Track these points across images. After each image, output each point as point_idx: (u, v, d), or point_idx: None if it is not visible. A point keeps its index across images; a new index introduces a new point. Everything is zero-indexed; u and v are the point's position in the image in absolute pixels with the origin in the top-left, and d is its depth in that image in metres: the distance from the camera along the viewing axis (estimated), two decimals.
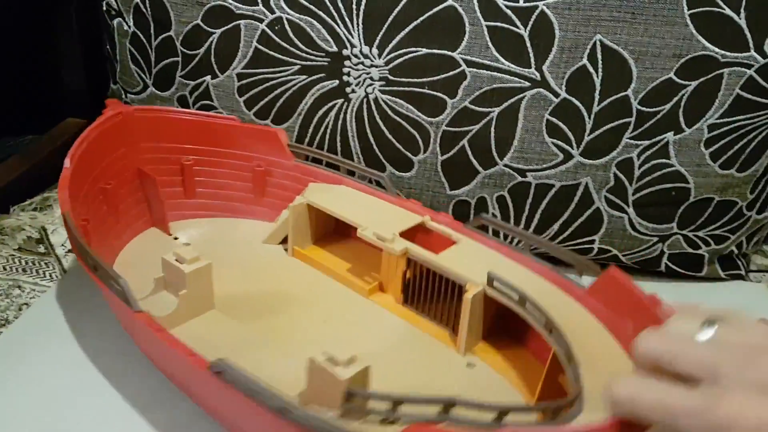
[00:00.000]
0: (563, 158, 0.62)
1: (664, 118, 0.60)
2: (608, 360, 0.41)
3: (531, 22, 0.59)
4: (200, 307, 0.52)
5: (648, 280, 0.69)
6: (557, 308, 0.45)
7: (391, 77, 0.63)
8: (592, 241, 0.66)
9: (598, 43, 0.59)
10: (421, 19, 0.61)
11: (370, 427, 0.36)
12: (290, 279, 0.60)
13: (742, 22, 0.57)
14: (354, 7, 0.62)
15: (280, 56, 0.65)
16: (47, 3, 0.83)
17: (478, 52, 0.61)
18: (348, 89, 0.64)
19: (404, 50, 0.62)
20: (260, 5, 0.64)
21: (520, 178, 0.64)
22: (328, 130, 0.66)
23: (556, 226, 0.65)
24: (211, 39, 0.66)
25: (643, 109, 0.60)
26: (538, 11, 0.59)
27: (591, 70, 0.59)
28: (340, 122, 0.66)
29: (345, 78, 0.64)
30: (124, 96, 0.74)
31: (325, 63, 0.64)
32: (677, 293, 0.67)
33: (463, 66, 0.61)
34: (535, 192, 0.64)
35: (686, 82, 0.59)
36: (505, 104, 0.61)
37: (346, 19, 0.63)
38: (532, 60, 0.60)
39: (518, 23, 0.59)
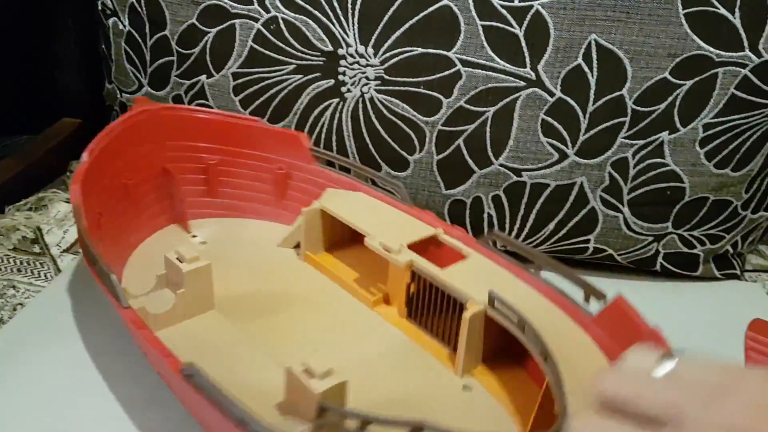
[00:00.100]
0: (558, 158, 0.62)
1: (659, 118, 0.60)
2: None
3: (526, 22, 0.59)
4: (199, 306, 0.52)
5: (643, 279, 0.69)
6: (559, 335, 0.43)
7: (386, 77, 0.63)
8: (587, 241, 0.66)
9: (593, 42, 0.59)
10: (417, 18, 0.61)
11: None
12: (297, 284, 0.59)
13: (737, 22, 0.57)
14: (349, 6, 0.62)
15: (275, 56, 0.65)
16: (43, 3, 0.82)
17: (473, 52, 0.61)
18: (343, 89, 0.64)
19: (399, 50, 0.62)
20: (255, 4, 0.64)
21: (515, 178, 0.64)
22: (324, 130, 0.66)
23: (551, 226, 0.65)
24: (206, 38, 0.66)
25: (638, 108, 0.60)
26: (533, 11, 0.59)
27: (586, 69, 0.59)
28: (335, 122, 0.66)
29: (340, 77, 0.64)
30: (119, 95, 0.74)
31: (321, 62, 0.64)
32: (672, 293, 0.67)
33: (459, 65, 0.61)
34: (531, 191, 0.64)
35: (681, 82, 0.59)
36: (501, 104, 0.61)
37: (342, 19, 0.62)
38: (527, 60, 0.60)
39: (513, 23, 0.59)
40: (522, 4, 0.59)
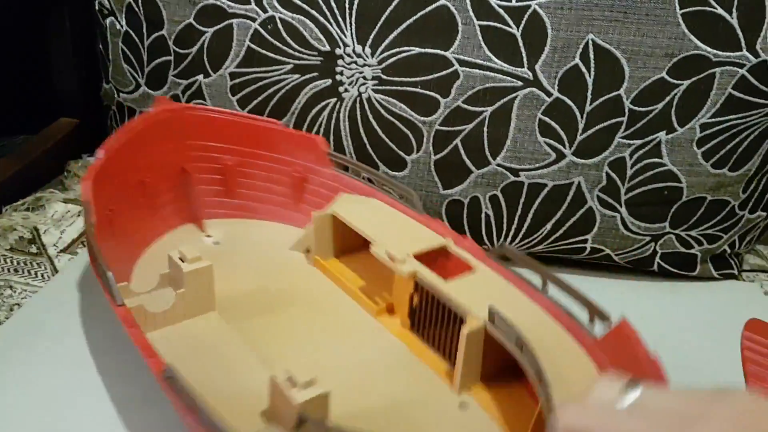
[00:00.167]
0: (556, 158, 0.62)
1: (656, 118, 0.60)
2: None
3: (523, 22, 0.59)
4: (199, 307, 0.52)
5: (641, 279, 0.69)
6: (559, 357, 0.42)
7: (384, 77, 0.63)
8: (585, 241, 0.66)
9: (590, 42, 0.59)
10: (414, 18, 0.61)
11: None
12: (303, 289, 0.59)
13: (734, 22, 0.57)
14: (347, 6, 0.62)
15: (272, 55, 0.65)
16: (40, 3, 0.82)
17: (470, 52, 0.61)
18: (341, 88, 0.64)
19: (397, 50, 0.62)
20: (253, 4, 0.64)
21: (512, 178, 0.64)
22: (321, 130, 0.66)
23: (548, 226, 0.65)
24: (203, 38, 0.66)
25: (636, 108, 0.60)
26: (530, 11, 0.59)
27: (583, 69, 0.59)
28: (333, 121, 0.66)
29: (338, 77, 0.64)
30: (116, 95, 0.74)
31: (318, 62, 0.64)
32: (670, 293, 0.67)
33: (456, 65, 0.61)
34: (528, 191, 0.64)
35: (678, 82, 0.59)
36: (498, 104, 0.61)
37: (339, 19, 0.62)
38: (525, 59, 0.60)
39: (511, 23, 0.59)
40: (519, 3, 0.59)
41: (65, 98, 0.88)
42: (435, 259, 0.54)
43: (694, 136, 0.61)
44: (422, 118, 0.63)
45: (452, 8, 0.60)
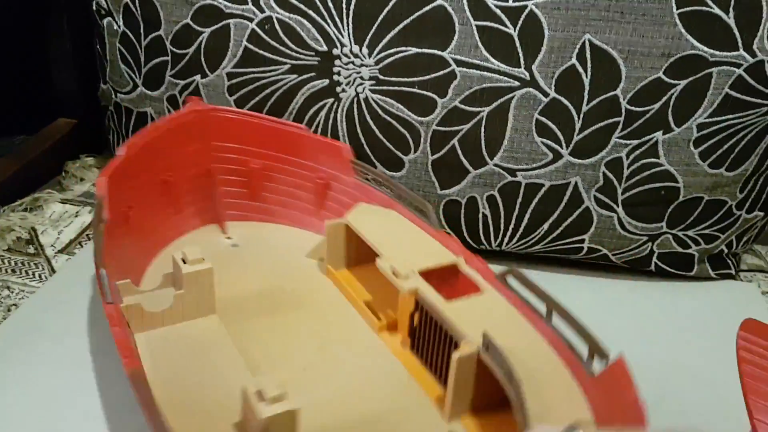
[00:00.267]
0: (553, 158, 0.62)
1: (653, 118, 0.60)
2: None
3: (520, 22, 0.59)
4: (198, 309, 0.52)
5: (638, 279, 0.69)
6: (551, 391, 0.41)
7: (381, 77, 0.63)
8: (582, 241, 0.66)
9: (587, 42, 0.59)
10: (411, 18, 0.61)
11: None
12: (310, 298, 0.58)
13: (731, 22, 0.57)
14: (344, 6, 0.62)
15: (270, 55, 0.65)
16: (38, 3, 0.82)
17: (467, 52, 0.61)
18: (338, 89, 0.64)
19: (394, 50, 0.62)
20: (250, 4, 0.64)
21: (510, 178, 0.64)
22: (319, 130, 0.66)
23: (546, 226, 0.65)
24: (200, 38, 0.66)
25: (632, 108, 0.60)
26: (527, 11, 0.59)
27: (580, 69, 0.59)
28: (330, 122, 0.66)
29: (335, 77, 0.64)
30: (114, 96, 0.74)
31: (315, 62, 0.64)
32: (667, 293, 0.67)
33: (453, 66, 0.61)
34: (525, 191, 0.64)
35: (675, 82, 0.59)
36: (495, 104, 0.61)
37: (336, 19, 0.62)
38: (522, 60, 0.60)
39: (507, 23, 0.59)
40: (516, 4, 0.59)
41: (64, 99, 0.88)
42: (444, 277, 0.52)
43: (691, 136, 0.61)
44: (419, 119, 0.63)
45: (449, 8, 0.60)
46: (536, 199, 0.64)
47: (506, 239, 0.67)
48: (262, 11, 0.64)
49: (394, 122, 0.64)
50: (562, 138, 0.62)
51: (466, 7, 0.60)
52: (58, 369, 0.51)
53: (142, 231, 0.59)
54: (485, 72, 0.61)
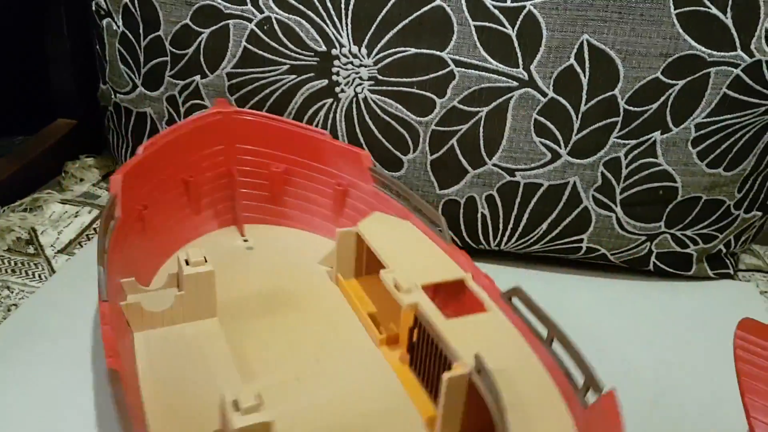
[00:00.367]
0: (551, 158, 0.62)
1: (651, 118, 0.60)
2: None
3: (518, 22, 0.59)
4: (198, 312, 0.51)
5: (636, 279, 0.69)
6: (541, 421, 0.39)
7: (380, 77, 0.63)
8: (581, 240, 0.66)
9: (585, 42, 0.59)
10: (410, 19, 0.61)
11: None
12: (314, 306, 0.57)
13: (729, 22, 0.57)
14: (342, 6, 0.62)
15: (269, 56, 0.65)
16: (37, 3, 0.82)
17: (466, 52, 0.61)
18: (337, 89, 0.64)
19: (393, 50, 0.62)
20: (249, 5, 0.64)
21: (508, 178, 0.64)
22: None
23: (544, 226, 0.65)
24: (200, 39, 0.66)
25: (631, 108, 0.60)
26: (525, 11, 0.59)
27: (578, 69, 0.60)
28: (329, 122, 0.66)
29: (334, 78, 0.64)
30: (113, 96, 0.74)
31: (314, 63, 0.64)
32: (666, 292, 0.68)
33: (452, 66, 0.61)
34: (524, 191, 0.64)
35: (673, 82, 0.59)
36: (494, 104, 0.62)
37: (335, 19, 0.63)
38: (520, 60, 0.60)
39: (506, 23, 0.59)
40: (514, 4, 0.59)
41: (63, 99, 0.88)
42: (451, 293, 0.51)
43: (689, 135, 0.61)
44: (418, 119, 0.64)
45: (448, 9, 0.60)
46: (535, 199, 0.64)
47: (505, 239, 0.67)
48: (261, 12, 0.64)
49: (392, 122, 0.64)
50: (560, 138, 0.62)
51: (465, 8, 0.60)
52: (58, 369, 0.51)
53: (157, 231, 0.59)
54: (484, 72, 0.61)
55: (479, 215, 0.66)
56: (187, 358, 0.48)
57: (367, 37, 0.62)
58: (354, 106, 0.65)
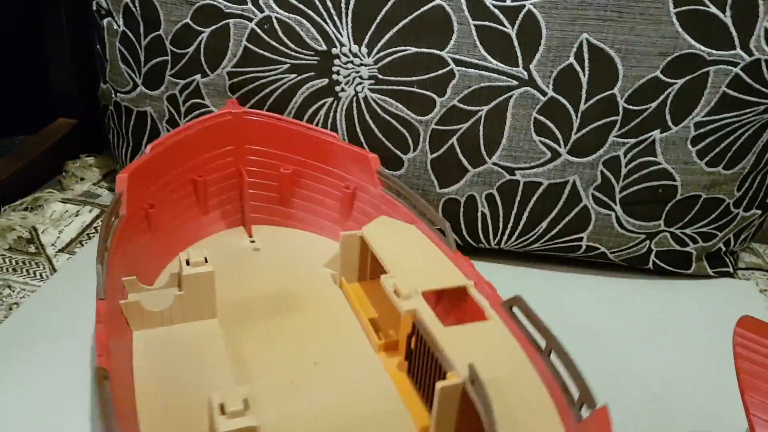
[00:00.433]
0: (551, 156, 0.63)
1: (650, 116, 0.60)
2: None
3: (518, 22, 0.59)
4: (198, 311, 0.51)
5: (636, 277, 0.69)
6: None
7: (380, 76, 0.63)
8: (580, 239, 0.66)
9: (584, 41, 0.59)
10: (410, 18, 0.61)
11: None
12: (316, 309, 0.56)
13: (728, 20, 0.57)
14: (343, 6, 0.62)
15: (269, 55, 0.65)
16: (37, 3, 0.83)
17: (466, 51, 0.61)
18: (337, 88, 0.65)
19: (393, 49, 0.62)
20: (249, 4, 0.64)
21: (508, 177, 0.64)
22: None
23: (544, 224, 0.66)
24: (200, 38, 0.66)
25: (630, 107, 0.60)
26: (525, 10, 0.59)
27: (578, 68, 0.60)
28: (330, 121, 0.66)
29: (334, 77, 0.64)
30: (114, 95, 0.74)
31: (315, 62, 0.64)
32: (665, 291, 0.68)
33: (452, 65, 0.61)
34: (524, 190, 0.64)
35: (673, 80, 0.59)
36: (494, 103, 0.62)
37: (335, 18, 0.63)
38: (520, 59, 0.60)
39: (506, 22, 0.60)
40: (514, 3, 0.59)
41: (63, 98, 0.88)
42: (454, 300, 0.50)
43: (688, 134, 0.61)
44: (418, 118, 0.64)
45: (447, 8, 0.60)
46: (535, 198, 0.64)
47: (505, 237, 0.68)
48: (261, 11, 0.64)
49: (393, 121, 0.64)
50: (560, 137, 0.62)
51: (465, 7, 0.60)
52: (58, 369, 0.52)
53: (163, 230, 0.59)
54: (484, 71, 0.61)
55: (479, 214, 0.66)
56: (183, 358, 0.48)
57: (368, 37, 0.62)
58: (354, 105, 0.65)
